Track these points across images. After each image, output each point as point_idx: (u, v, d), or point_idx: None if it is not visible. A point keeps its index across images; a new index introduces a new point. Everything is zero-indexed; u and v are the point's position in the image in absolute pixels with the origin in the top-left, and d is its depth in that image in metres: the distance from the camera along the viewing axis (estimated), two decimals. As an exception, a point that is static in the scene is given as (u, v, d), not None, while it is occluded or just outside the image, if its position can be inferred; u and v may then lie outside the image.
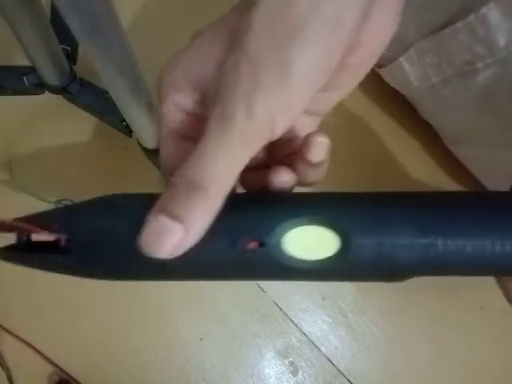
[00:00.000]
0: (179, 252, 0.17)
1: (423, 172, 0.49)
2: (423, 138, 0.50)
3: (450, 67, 0.36)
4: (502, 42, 0.31)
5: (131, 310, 0.44)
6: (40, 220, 0.20)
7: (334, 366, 0.44)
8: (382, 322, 0.45)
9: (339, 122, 0.50)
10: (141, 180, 0.47)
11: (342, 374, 0.44)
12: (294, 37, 0.16)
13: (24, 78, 0.41)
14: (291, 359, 0.44)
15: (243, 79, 0.17)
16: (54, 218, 0.20)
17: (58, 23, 0.37)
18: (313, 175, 0.22)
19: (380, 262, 0.18)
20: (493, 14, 0.30)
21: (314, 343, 0.44)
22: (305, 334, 0.44)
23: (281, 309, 0.45)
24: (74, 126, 0.48)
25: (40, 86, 0.42)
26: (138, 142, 0.40)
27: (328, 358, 0.44)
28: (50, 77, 0.40)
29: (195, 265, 0.19)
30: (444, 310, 0.46)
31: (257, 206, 0.20)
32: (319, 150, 0.20)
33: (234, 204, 0.18)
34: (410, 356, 0.45)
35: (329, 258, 0.18)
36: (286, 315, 0.45)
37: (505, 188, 0.45)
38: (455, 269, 0.18)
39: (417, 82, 0.40)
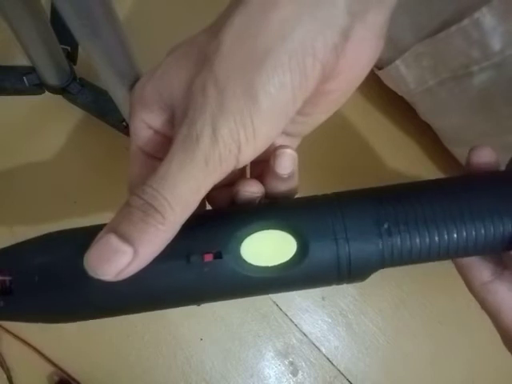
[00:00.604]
0: (125, 276, 0.16)
1: (423, 172, 0.49)
2: (423, 138, 0.50)
3: (446, 70, 0.36)
4: (496, 46, 0.31)
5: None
6: None
7: (334, 366, 0.44)
8: (382, 322, 0.45)
9: (338, 123, 0.50)
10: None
11: (342, 373, 0.44)
12: (261, 64, 0.16)
13: (24, 78, 0.41)
14: (291, 359, 0.44)
15: (210, 102, 0.16)
16: None
17: (58, 23, 0.37)
18: (282, 187, 0.21)
19: (339, 258, 0.18)
20: (486, 18, 0.30)
21: (313, 343, 0.44)
22: (305, 334, 0.44)
23: (281, 309, 0.45)
24: (74, 126, 0.48)
25: (40, 86, 0.42)
26: (138, 142, 0.40)
27: (328, 358, 0.44)
28: (50, 77, 0.40)
29: (152, 289, 0.18)
30: (444, 309, 0.46)
31: (210, 219, 0.19)
32: (287, 162, 0.20)
33: (187, 221, 0.17)
34: (409, 356, 0.45)
35: (288, 262, 0.18)
36: (286, 315, 0.45)
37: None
38: (414, 256, 0.18)
39: (414, 85, 0.40)
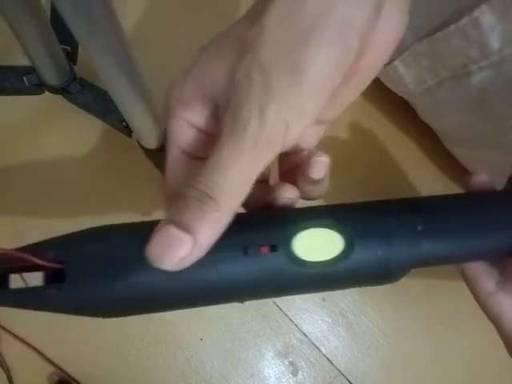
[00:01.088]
0: (186, 264, 0.17)
1: (423, 172, 0.49)
2: (422, 138, 0.50)
3: (445, 70, 0.36)
4: (495, 45, 0.31)
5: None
6: (35, 249, 0.19)
7: (334, 366, 0.44)
8: (382, 322, 0.45)
9: (338, 124, 0.50)
10: (141, 180, 0.47)
11: (342, 373, 0.44)
12: (305, 41, 0.16)
13: (24, 78, 0.41)
14: (291, 359, 0.44)
15: (255, 86, 0.17)
16: (47, 247, 0.19)
17: (58, 23, 0.37)
18: (313, 190, 0.22)
19: (381, 257, 0.19)
20: (485, 17, 0.30)
21: (313, 343, 0.44)
22: (305, 334, 0.44)
23: (281, 309, 0.45)
24: (74, 125, 0.48)
25: (40, 86, 0.42)
26: (138, 142, 0.40)
27: (328, 358, 0.44)
28: (50, 77, 0.40)
29: (208, 280, 0.19)
30: (444, 309, 0.46)
31: (263, 216, 0.21)
32: (320, 168, 0.21)
33: (241, 217, 0.18)
34: (409, 356, 0.45)
35: (334, 258, 0.19)
36: (286, 315, 0.45)
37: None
38: (442, 258, 0.21)
39: (413, 85, 0.40)
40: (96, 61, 0.27)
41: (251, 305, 0.45)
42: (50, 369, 0.42)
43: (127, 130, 0.41)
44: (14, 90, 0.42)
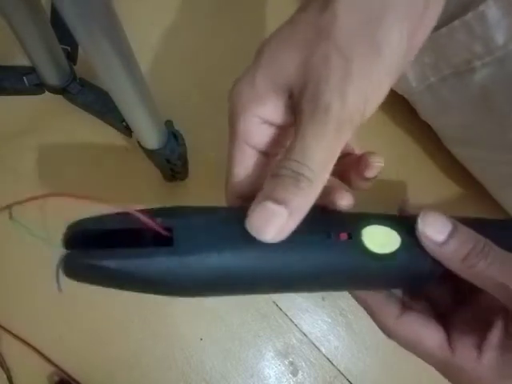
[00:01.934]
0: (283, 235, 0.19)
1: (422, 172, 0.49)
2: (422, 138, 0.50)
3: (448, 66, 0.36)
4: (500, 40, 0.31)
5: (131, 310, 0.44)
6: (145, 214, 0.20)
7: (334, 366, 0.44)
8: (382, 322, 0.45)
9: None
10: (141, 180, 0.47)
11: (342, 374, 0.44)
12: (380, 19, 0.17)
13: (24, 78, 0.41)
14: (291, 359, 0.44)
15: (335, 70, 0.18)
16: (155, 215, 0.20)
17: (58, 23, 0.37)
18: (364, 185, 0.25)
19: (426, 260, 0.23)
20: (491, 11, 0.30)
21: (313, 343, 0.44)
22: (305, 334, 0.44)
23: (281, 309, 0.45)
24: (74, 126, 0.48)
25: (40, 86, 0.42)
26: (138, 142, 0.40)
27: (328, 358, 0.44)
28: (50, 77, 0.40)
29: (297, 256, 0.21)
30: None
31: (336, 211, 0.24)
32: (376, 169, 0.23)
33: (319, 210, 0.21)
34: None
35: (391, 253, 0.22)
36: (286, 315, 0.45)
37: (505, 188, 0.45)
38: None
39: (415, 82, 0.40)
40: (96, 61, 0.27)
41: (251, 305, 0.45)
42: (49, 369, 0.42)
43: (127, 130, 0.41)
44: (13, 90, 0.42)
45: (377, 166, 0.23)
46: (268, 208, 0.19)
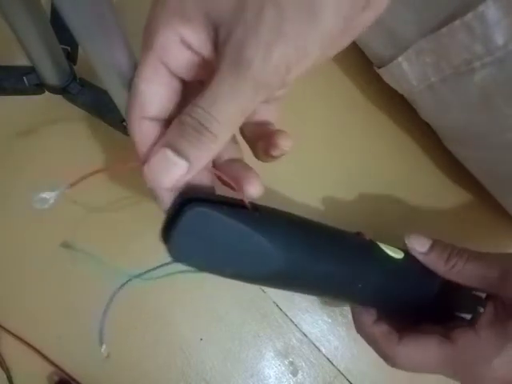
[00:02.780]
0: (179, 185, 0.19)
1: (422, 172, 0.49)
2: (422, 138, 0.50)
3: (449, 67, 0.36)
4: (500, 40, 0.30)
5: (131, 310, 0.44)
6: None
7: (334, 366, 0.44)
8: (382, 322, 0.45)
9: (337, 123, 0.50)
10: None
11: (342, 374, 0.44)
12: None
13: (24, 78, 0.41)
14: (291, 359, 0.44)
15: (266, 24, 0.16)
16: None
17: (58, 23, 0.37)
18: (265, 160, 0.25)
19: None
20: (491, 11, 0.29)
21: (313, 343, 0.44)
22: (305, 335, 0.44)
23: (281, 309, 0.45)
24: (74, 125, 0.48)
25: (40, 86, 0.42)
26: (138, 142, 0.40)
27: (328, 358, 0.44)
28: (50, 77, 0.40)
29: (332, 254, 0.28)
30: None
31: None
32: (281, 151, 0.22)
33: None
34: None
35: (401, 259, 0.32)
36: (286, 315, 0.45)
37: (505, 188, 0.45)
38: None
39: (416, 82, 0.40)
40: (95, 61, 0.27)
41: (251, 305, 0.45)
42: (49, 369, 0.42)
43: (127, 130, 0.41)
44: (13, 90, 0.42)
45: (283, 149, 0.22)
46: (168, 157, 0.19)
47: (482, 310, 0.29)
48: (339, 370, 0.44)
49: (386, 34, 0.39)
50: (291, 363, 0.44)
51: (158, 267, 0.38)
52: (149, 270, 0.40)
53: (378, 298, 0.32)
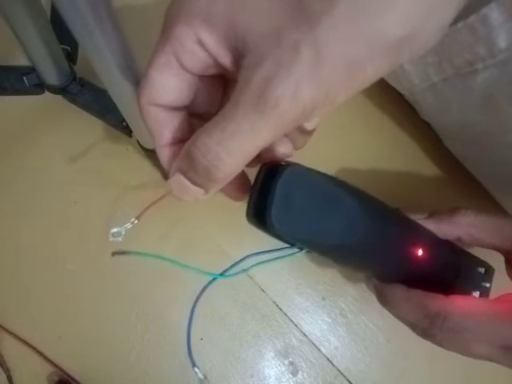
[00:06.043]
0: (202, 199, 0.20)
1: (422, 172, 0.49)
2: (422, 138, 0.50)
3: (451, 67, 0.36)
4: (503, 43, 0.31)
5: (131, 310, 0.44)
6: None
7: (334, 366, 0.44)
8: (382, 322, 0.45)
9: (338, 122, 0.50)
10: (140, 180, 0.47)
11: (342, 374, 0.44)
12: (368, 42, 0.15)
13: (24, 78, 0.41)
14: (291, 359, 0.44)
15: (302, 63, 0.15)
16: None
17: (58, 23, 0.37)
18: (301, 140, 0.23)
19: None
20: (494, 14, 0.29)
21: (313, 343, 0.44)
22: (305, 334, 0.44)
23: (281, 309, 0.45)
24: (74, 126, 0.48)
25: (40, 86, 0.42)
26: (138, 142, 0.40)
27: (328, 358, 0.44)
28: (50, 77, 0.40)
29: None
30: (444, 310, 0.46)
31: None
32: (316, 119, 0.21)
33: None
34: (409, 356, 0.45)
35: None
36: (286, 315, 0.45)
37: (505, 189, 0.45)
38: None
39: (417, 81, 0.40)
40: (96, 61, 0.27)
41: (251, 305, 0.45)
42: (49, 369, 0.42)
43: (127, 130, 0.41)
44: (13, 90, 0.42)
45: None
46: (183, 183, 0.19)
47: (488, 285, 0.29)
48: (339, 370, 0.44)
49: None
50: (291, 363, 0.44)
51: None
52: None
53: (413, 271, 0.30)
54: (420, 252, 0.28)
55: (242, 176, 0.24)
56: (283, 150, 0.21)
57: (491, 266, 0.32)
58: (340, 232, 0.23)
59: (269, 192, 0.20)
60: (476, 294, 0.31)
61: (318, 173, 0.22)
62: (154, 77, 0.20)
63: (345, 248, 0.24)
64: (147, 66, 0.20)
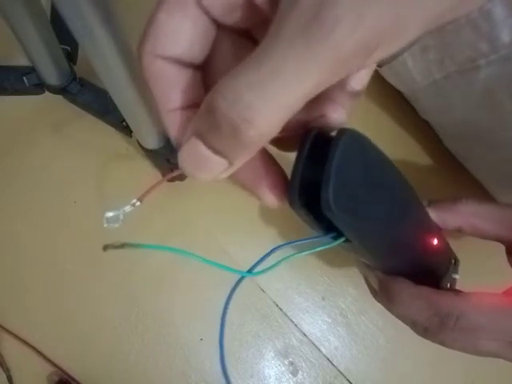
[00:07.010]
0: (222, 178, 0.15)
1: (422, 172, 0.49)
2: (422, 137, 0.50)
3: (453, 64, 0.36)
4: (506, 38, 0.30)
5: (131, 310, 0.44)
6: None
7: (334, 366, 0.44)
8: (382, 322, 0.45)
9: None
10: (140, 180, 0.47)
11: (342, 374, 0.44)
12: None
13: (24, 78, 0.41)
14: (291, 359, 0.44)
15: None
16: None
17: (58, 23, 0.37)
18: (349, 105, 0.19)
19: None
20: (497, 9, 0.29)
21: (313, 343, 0.44)
22: (305, 335, 0.44)
23: (281, 309, 0.45)
24: (74, 126, 0.48)
25: (40, 86, 0.42)
26: (138, 142, 0.40)
27: (328, 358, 0.44)
28: (50, 77, 0.40)
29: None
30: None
31: None
32: (364, 78, 0.17)
33: None
34: (409, 356, 0.45)
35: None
36: (286, 315, 0.45)
37: (504, 187, 0.45)
38: None
39: (419, 78, 0.40)
40: (96, 61, 0.27)
41: (251, 305, 0.45)
42: (49, 369, 0.42)
43: (127, 130, 0.41)
44: (14, 89, 0.42)
45: (364, 73, 0.17)
46: (201, 152, 0.14)
47: (457, 276, 0.27)
48: (339, 370, 0.44)
49: None
50: (291, 363, 0.44)
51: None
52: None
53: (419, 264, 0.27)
54: (430, 242, 0.25)
55: (274, 164, 0.19)
56: (336, 115, 0.17)
57: (457, 257, 0.30)
58: (387, 216, 0.19)
59: (322, 165, 0.16)
60: (447, 286, 0.29)
61: (373, 144, 0.18)
62: (163, 21, 0.15)
63: (382, 234, 0.20)
64: (155, 8, 0.15)
